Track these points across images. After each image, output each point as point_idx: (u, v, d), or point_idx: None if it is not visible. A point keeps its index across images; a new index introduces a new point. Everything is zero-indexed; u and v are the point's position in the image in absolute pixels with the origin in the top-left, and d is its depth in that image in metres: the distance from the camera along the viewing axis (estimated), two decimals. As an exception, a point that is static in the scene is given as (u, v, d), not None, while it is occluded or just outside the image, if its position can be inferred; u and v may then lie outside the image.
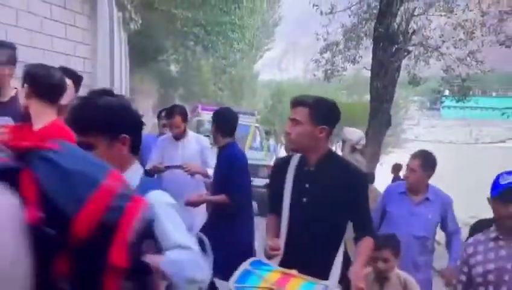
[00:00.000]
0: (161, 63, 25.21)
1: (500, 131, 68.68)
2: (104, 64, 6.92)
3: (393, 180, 10.61)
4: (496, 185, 2.87)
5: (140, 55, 19.00)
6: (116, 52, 9.27)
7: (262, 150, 13.19)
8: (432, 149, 4.49)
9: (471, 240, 3.16)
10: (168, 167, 5.11)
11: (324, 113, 2.86)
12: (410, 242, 3.96)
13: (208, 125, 11.42)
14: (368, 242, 2.92)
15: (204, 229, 4.68)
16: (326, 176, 2.87)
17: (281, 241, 2.87)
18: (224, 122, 4.72)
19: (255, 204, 7.16)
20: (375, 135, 10.21)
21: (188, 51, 23.43)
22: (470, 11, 10.81)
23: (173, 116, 5.24)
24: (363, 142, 6.24)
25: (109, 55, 7.80)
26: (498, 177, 2.89)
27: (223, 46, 21.93)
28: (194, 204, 4.78)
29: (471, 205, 10.22)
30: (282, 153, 14.04)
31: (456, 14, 10.79)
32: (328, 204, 2.83)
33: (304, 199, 2.87)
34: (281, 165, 3.08)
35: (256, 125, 13.90)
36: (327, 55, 12.81)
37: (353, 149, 6.27)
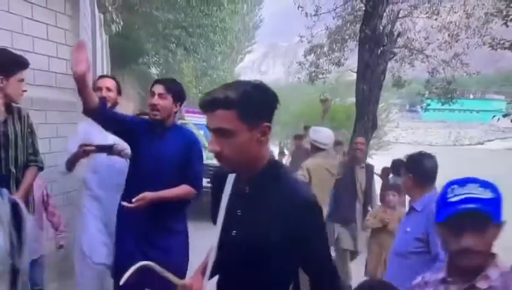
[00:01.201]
0: (142, 66, 24.97)
1: (478, 133, 69.87)
2: (86, 66, 6.75)
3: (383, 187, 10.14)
4: (443, 204, 1.90)
5: (121, 58, 18.73)
6: (98, 54, 9.08)
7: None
8: (411, 151, 3.93)
9: (417, 279, 2.20)
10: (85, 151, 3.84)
11: (260, 106, 1.85)
12: (392, 259, 3.61)
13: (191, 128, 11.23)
14: None
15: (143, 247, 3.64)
16: (262, 202, 1.94)
17: (205, 283, 2.09)
18: (184, 93, 3.85)
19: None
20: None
21: (169, 53, 23.25)
22: (455, 13, 10.85)
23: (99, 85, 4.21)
24: (330, 141, 5.86)
25: (91, 56, 7.61)
26: (444, 191, 1.93)
27: (205, 49, 21.80)
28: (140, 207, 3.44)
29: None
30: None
31: (441, 16, 10.82)
32: (262, 241, 1.89)
33: (234, 232, 1.99)
34: (218, 178, 2.16)
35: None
36: (311, 57, 12.78)
37: (317, 150, 5.88)
